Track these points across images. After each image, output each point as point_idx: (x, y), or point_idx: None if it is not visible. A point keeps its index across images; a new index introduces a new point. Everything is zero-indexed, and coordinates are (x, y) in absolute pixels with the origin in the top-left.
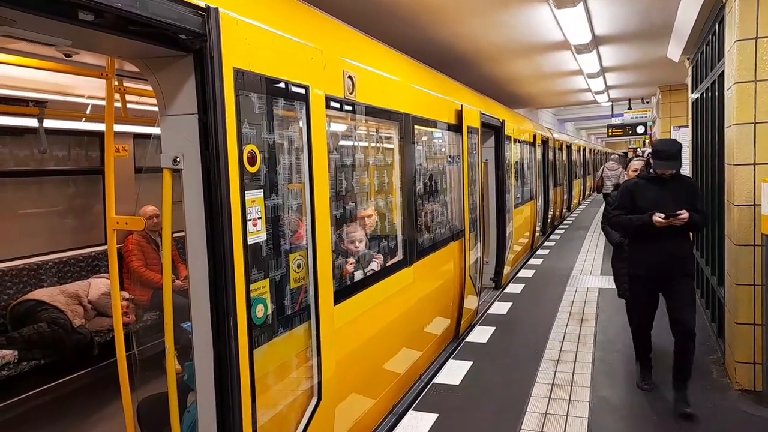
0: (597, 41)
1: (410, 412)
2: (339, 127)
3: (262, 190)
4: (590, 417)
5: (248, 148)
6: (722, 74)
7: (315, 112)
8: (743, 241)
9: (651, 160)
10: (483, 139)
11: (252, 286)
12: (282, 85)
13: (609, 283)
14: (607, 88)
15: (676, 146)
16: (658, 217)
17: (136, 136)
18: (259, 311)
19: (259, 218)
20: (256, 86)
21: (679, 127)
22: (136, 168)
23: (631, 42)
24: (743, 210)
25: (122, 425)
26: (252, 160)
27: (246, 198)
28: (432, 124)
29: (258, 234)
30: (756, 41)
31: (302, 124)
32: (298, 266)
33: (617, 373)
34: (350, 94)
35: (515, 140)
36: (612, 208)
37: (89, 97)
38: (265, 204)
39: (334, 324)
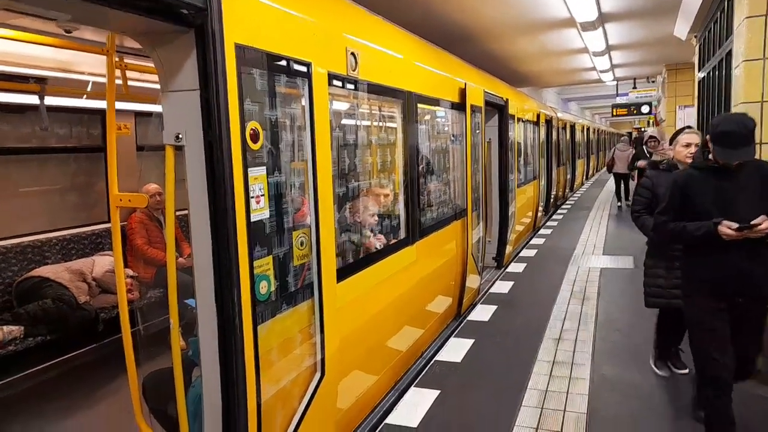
0: (603, 18)
1: (412, 388)
2: (342, 105)
3: (264, 167)
4: (590, 394)
5: (251, 125)
6: (730, 52)
7: (317, 89)
8: None
9: (710, 144)
10: (486, 118)
11: (255, 263)
12: (284, 61)
13: (611, 263)
14: (613, 66)
15: (748, 125)
16: (726, 228)
17: (138, 114)
18: (263, 288)
19: (262, 195)
20: (257, 62)
21: (685, 106)
22: (137, 146)
23: (638, 19)
24: None
25: (128, 400)
26: (254, 137)
27: (249, 175)
28: (435, 102)
29: (261, 211)
30: (766, 18)
31: (305, 101)
32: (301, 244)
33: (618, 351)
34: (353, 71)
35: (519, 119)
36: (657, 211)
37: (90, 74)
38: (267, 181)
39: (337, 301)
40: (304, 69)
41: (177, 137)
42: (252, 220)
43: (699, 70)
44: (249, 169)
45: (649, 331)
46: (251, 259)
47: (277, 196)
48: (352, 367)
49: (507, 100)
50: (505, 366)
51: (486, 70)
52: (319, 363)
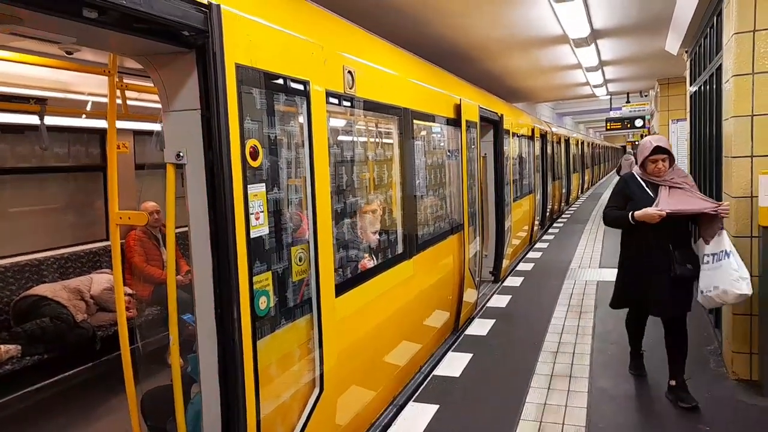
0: (595, 35)
1: (411, 403)
2: (339, 122)
3: (263, 184)
4: (589, 407)
5: (250, 143)
6: (720, 67)
7: (315, 107)
8: (741, 233)
9: None
10: (482, 134)
11: (255, 279)
12: (283, 80)
13: (607, 276)
14: (606, 81)
15: None
16: None
17: (136, 133)
18: (262, 303)
19: (262, 212)
20: (257, 82)
21: (678, 120)
22: (136, 165)
23: (630, 35)
24: (741, 202)
25: (126, 418)
26: (254, 155)
27: (248, 192)
28: (431, 118)
29: (260, 227)
30: (754, 34)
31: (303, 119)
32: (300, 259)
33: (616, 363)
34: (350, 89)
35: (514, 134)
36: None
37: (89, 94)
38: (267, 198)
39: (335, 316)
40: (302, 87)
41: (178, 155)
42: (252, 236)
43: (690, 85)
44: (249, 186)
45: (646, 343)
46: (251, 275)
47: (276, 213)
48: (351, 382)
49: (501, 115)
50: (504, 380)
51: (482, 87)
52: (318, 378)
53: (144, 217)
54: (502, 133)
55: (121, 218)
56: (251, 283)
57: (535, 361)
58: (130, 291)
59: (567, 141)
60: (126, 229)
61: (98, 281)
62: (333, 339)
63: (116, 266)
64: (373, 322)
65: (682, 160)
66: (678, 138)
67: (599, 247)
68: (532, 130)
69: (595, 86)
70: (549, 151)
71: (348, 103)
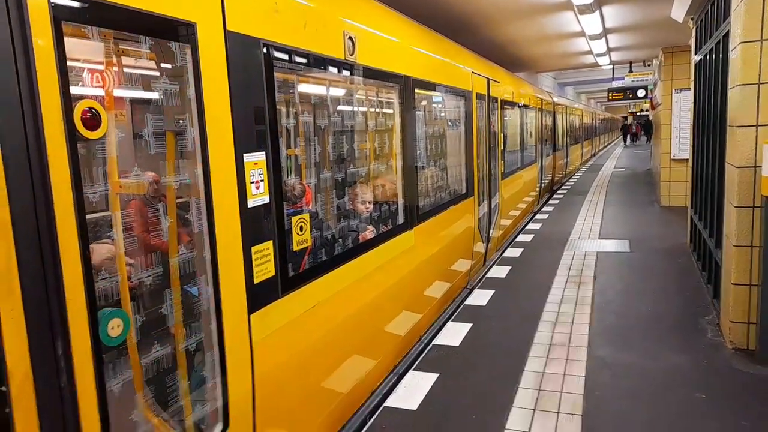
0: (600, 1)
1: (411, 371)
2: (338, 90)
3: (107, 165)
4: (587, 376)
5: (83, 105)
6: (727, 34)
7: (208, 58)
8: (743, 203)
9: None
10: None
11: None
12: (143, 17)
13: (607, 247)
14: (609, 50)
15: None
16: None
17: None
18: (113, 329)
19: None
20: (90, 16)
21: (681, 89)
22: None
23: (635, 1)
24: (744, 172)
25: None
26: (91, 121)
27: (81, 184)
28: (432, 87)
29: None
30: None
31: (189, 75)
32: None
33: (614, 333)
34: (351, 55)
35: (511, 104)
36: None
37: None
38: (121, 181)
39: (248, 338)
40: (182, 30)
41: (177, 123)
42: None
43: (695, 53)
44: (83, 169)
45: (645, 313)
46: (92, 302)
47: (133, 205)
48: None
49: (489, 79)
50: (503, 349)
51: (483, 55)
52: (221, 410)
53: (143, 186)
54: (489, 102)
55: (121, 187)
56: (93, 307)
57: (534, 331)
58: (131, 261)
59: (567, 111)
60: (125, 200)
61: (98, 251)
62: (244, 363)
63: (117, 236)
64: (372, 294)
65: (685, 131)
66: (681, 108)
67: (599, 219)
68: (536, 101)
69: (598, 55)
70: (548, 121)
71: (346, 72)
